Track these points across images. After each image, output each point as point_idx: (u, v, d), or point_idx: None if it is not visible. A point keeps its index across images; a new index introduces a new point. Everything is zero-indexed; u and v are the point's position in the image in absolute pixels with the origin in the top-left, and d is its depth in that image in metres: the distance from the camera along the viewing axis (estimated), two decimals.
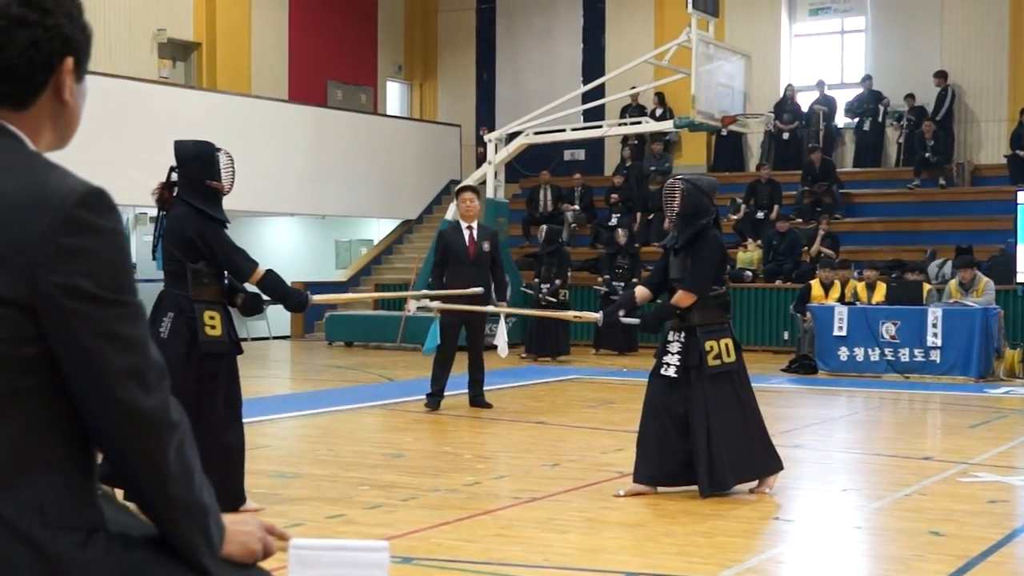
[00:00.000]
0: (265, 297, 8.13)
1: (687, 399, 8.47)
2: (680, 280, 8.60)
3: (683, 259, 8.63)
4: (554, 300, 19.90)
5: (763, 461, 8.65)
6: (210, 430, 7.50)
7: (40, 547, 2.13)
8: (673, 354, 8.54)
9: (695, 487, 8.47)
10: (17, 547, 2.12)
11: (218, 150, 7.82)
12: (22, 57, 2.21)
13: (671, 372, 8.52)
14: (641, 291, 8.90)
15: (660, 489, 8.57)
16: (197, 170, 7.74)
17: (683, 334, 8.53)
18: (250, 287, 8.02)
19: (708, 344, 8.42)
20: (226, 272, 7.84)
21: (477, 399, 13.25)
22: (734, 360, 8.55)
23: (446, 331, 12.90)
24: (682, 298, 8.50)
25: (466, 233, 13.16)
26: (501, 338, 12.39)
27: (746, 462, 8.54)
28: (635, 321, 8.96)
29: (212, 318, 7.68)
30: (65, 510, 2.18)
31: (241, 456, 7.81)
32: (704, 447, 8.37)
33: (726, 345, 8.51)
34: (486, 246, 13.14)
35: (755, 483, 8.67)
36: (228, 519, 2.40)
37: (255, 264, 7.85)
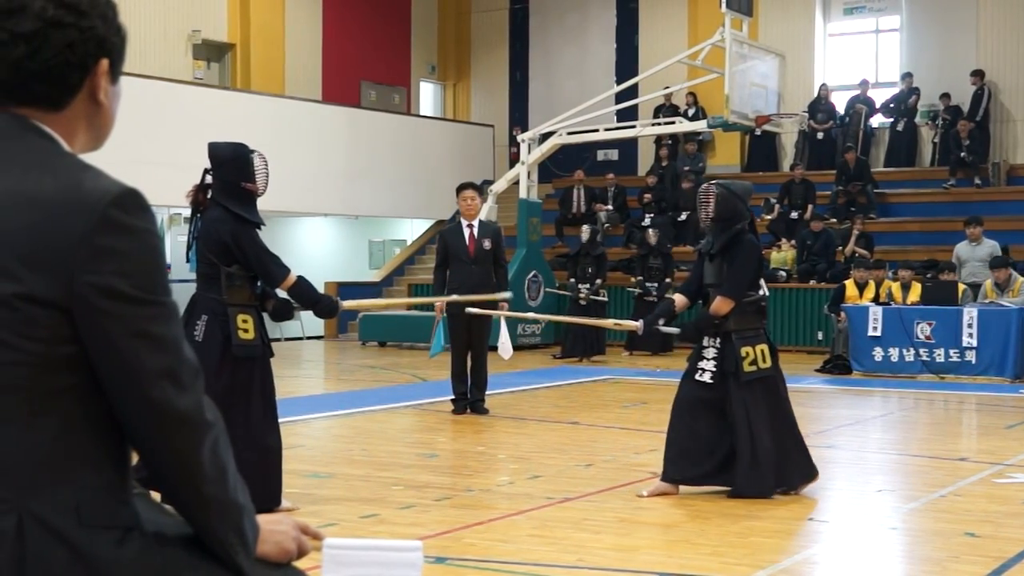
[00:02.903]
0: (295, 303, 8.14)
1: (721, 405, 8.45)
2: (715, 285, 8.57)
3: (719, 264, 8.59)
4: (597, 299, 19.96)
5: (802, 468, 8.61)
6: (250, 433, 7.53)
7: (76, 546, 2.14)
8: (709, 360, 8.51)
9: (719, 488, 8.47)
10: (54, 546, 2.13)
11: (252, 152, 7.82)
12: (58, 59, 2.23)
13: (706, 378, 8.49)
14: (679, 299, 8.86)
15: (683, 489, 8.56)
16: (232, 172, 7.73)
17: (719, 340, 8.51)
18: (281, 293, 8.04)
19: (744, 350, 8.39)
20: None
21: (476, 405, 13.05)
22: (770, 366, 8.51)
23: (453, 334, 12.81)
24: (720, 305, 8.47)
25: (466, 232, 12.97)
26: (504, 340, 12.34)
27: (785, 468, 8.51)
28: (675, 331, 8.94)
29: (245, 321, 7.69)
30: (101, 509, 2.19)
31: (279, 458, 7.83)
32: (748, 452, 8.34)
33: (762, 351, 8.47)
34: (487, 244, 12.94)
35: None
36: (262, 519, 2.41)
37: (287, 270, 7.85)
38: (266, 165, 7.83)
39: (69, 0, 2.23)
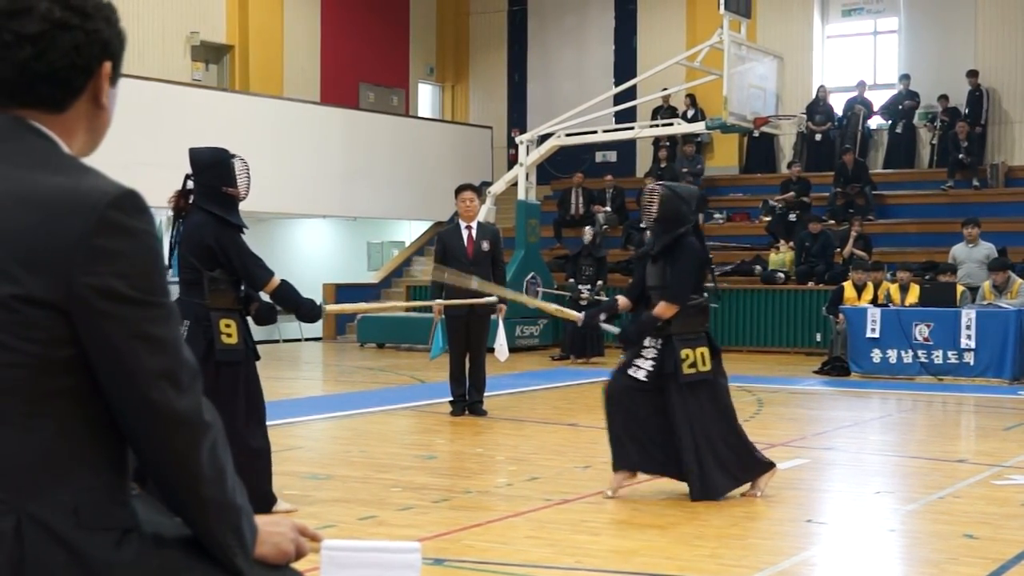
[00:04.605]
0: (278, 307, 8.14)
1: (658, 405, 8.41)
2: (657, 288, 8.55)
3: (661, 267, 8.57)
4: (600, 300, 20.07)
5: (749, 465, 8.58)
6: (233, 437, 7.51)
7: (75, 548, 2.14)
8: (647, 359, 8.48)
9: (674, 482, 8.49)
10: (52, 548, 2.13)
11: (233, 156, 7.82)
12: (64, 61, 2.23)
13: (640, 375, 8.46)
14: (623, 300, 8.86)
15: (672, 489, 8.57)
16: (213, 177, 7.74)
17: (660, 341, 8.48)
18: (264, 296, 8.04)
19: (684, 352, 8.36)
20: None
21: (475, 407, 13.04)
22: (709, 369, 8.47)
23: (452, 335, 12.84)
24: (663, 310, 8.45)
25: (465, 233, 12.98)
26: (500, 341, 12.37)
27: (734, 466, 8.50)
28: (615, 330, 8.95)
29: (228, 326, 7.69)
30: (99, 511, 2.19)
31: (267, 461, 7.81)
32: (693, 455, 8.33)
33: (701, 354, 8.43)
34: (485, 245, 12.95)
35: (747, 487, 8.62)
36: (261, 520, 2.41)
37: (271, 273, 7.85)
38: (247, 169, 7.84)
39: (75, 3, 2.24)
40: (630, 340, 8.81)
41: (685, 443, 8.34)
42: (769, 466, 8.65)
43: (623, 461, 8.52)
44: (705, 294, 8.71)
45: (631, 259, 8.48)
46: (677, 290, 8.46)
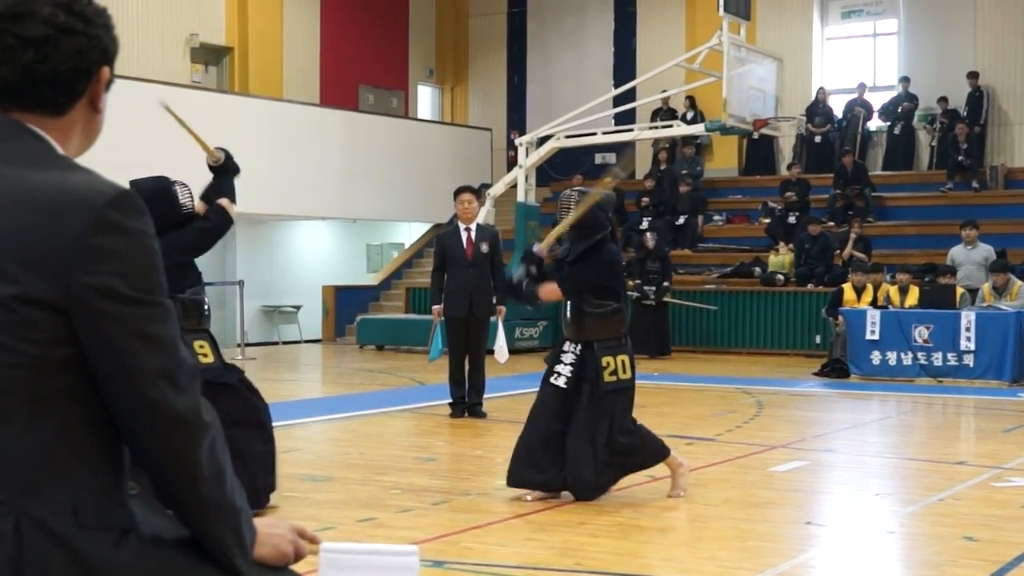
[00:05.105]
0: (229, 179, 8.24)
1: (574, 411, 8.38)
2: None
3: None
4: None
5: (646, 451, 8.52)
6: (252, 423, 7.57)
7: (73, 548, 2.14)
8: (566, 364, 8.44)
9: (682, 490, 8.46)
10: (51, 548, 2.13)
11: (173, 183, 7.86)
12: (67, 64, 2.26)
13: (561, 383, 8.42)
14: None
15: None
16: (157, 208, 7.75)
17: (580, 347, 8.45)
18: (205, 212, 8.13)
19: (605, 360, 8.32)
20: (208, 246, 7.98)
21: (474, 409, 13.02)
22: (629, 377, 8.45)
23: (451, 337, 12.84)
24: (549, 291, 8.46)
25: (464, 235, 12.96)
26: (500, 343, 12.34)
27: (620, 461, 8.43)
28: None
29: (202, 347, 7.72)
30: (98, 511, 2.19)
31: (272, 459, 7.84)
32: (590, 459, 8.28)
33: (622, 362, 8.39)
34: (484, 247, 12.94)
35: (670, 489, 8.57)
36: (259, 522, 2.41)
37: (221, 207, 7.97)
38: (191, 193, 7.93)
39: (77, 8, 2.27)
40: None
41: (583, 448, 8.30)
42: (666, 452, 8.56)
43: (515, 479, 8.45)
44: (620, 303, 8.59)
45: (554, 263, 8.41)
46: (572, 282, 8.42)
